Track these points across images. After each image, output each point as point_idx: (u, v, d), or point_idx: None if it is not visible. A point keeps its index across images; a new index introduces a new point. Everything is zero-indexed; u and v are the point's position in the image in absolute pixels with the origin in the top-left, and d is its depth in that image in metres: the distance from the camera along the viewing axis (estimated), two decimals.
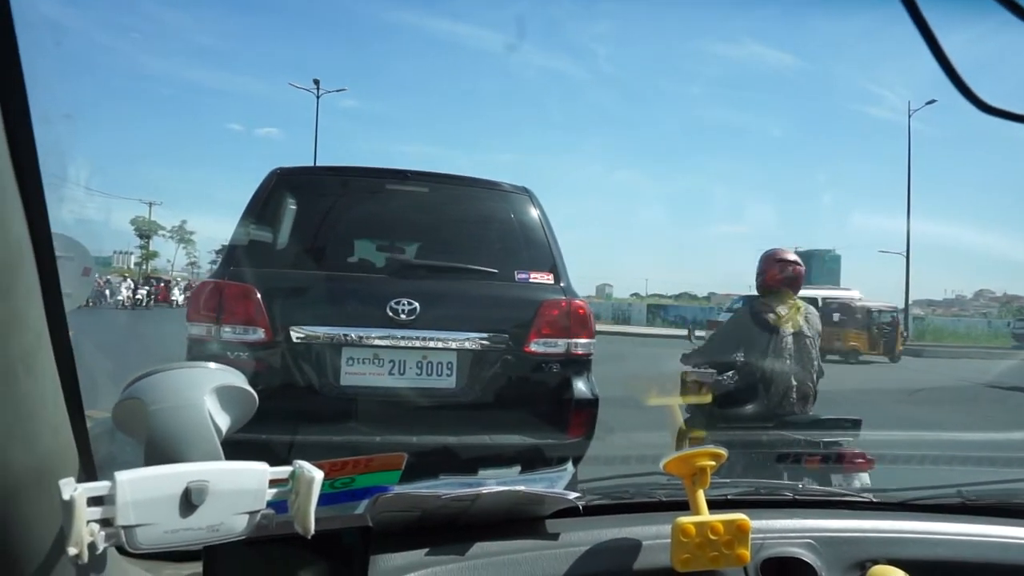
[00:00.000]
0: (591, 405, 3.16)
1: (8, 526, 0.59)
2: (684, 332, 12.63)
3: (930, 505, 1.34)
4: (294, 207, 3.32)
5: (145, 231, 50.04)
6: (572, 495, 1.12)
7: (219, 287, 2.97)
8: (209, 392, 0.73)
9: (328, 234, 3.36)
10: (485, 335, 3.06)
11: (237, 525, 0.66)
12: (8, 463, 0.57)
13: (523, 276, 3.27)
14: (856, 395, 9.94)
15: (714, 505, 1.10)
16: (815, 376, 3.49)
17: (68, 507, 0.57)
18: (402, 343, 2.99)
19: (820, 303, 24.64)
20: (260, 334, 2.89)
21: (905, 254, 30.69)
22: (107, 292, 24.71)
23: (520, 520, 1.12)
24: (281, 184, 3.31)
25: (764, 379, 3.40)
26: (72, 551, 0.57)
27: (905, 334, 22.55)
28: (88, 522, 0.59)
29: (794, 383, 3.40)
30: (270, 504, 0.69)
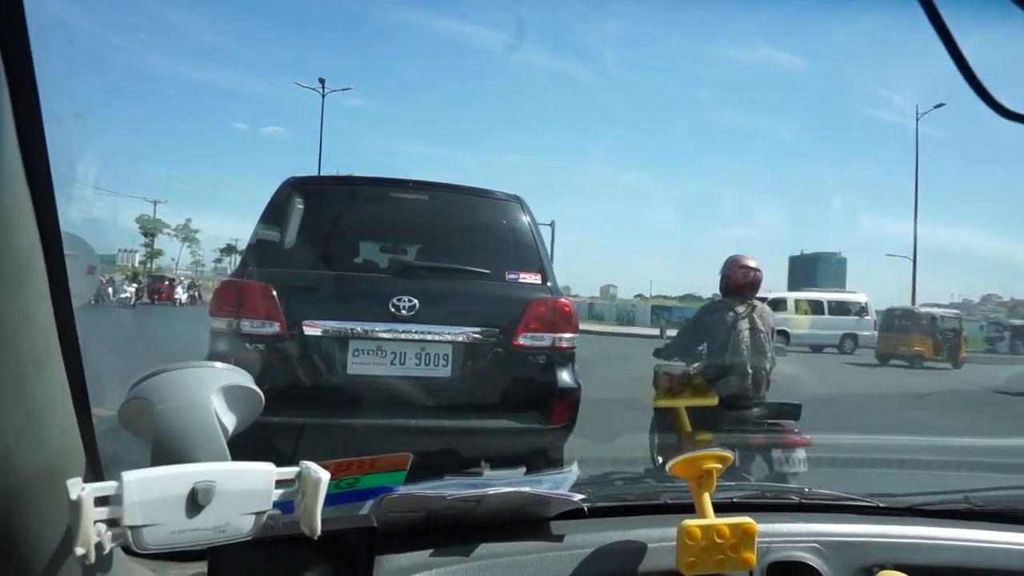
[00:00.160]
0: (574, 394, 3.43)
1: (17, 526, 0.59)
2: None
3: (937, 510, 1.33)
4: (306, 213, 3.60)
5: (150, 229, 50.20)
6: (577, 497, 1.12)
7: (239, 285, 3.28)
8: (216, 392, 0.73)
9: (336, 237, 3.64)
10: (478, 329, 3.34)
11: (243, 526, 0.66)
12: (17, 464, 0.57)
13: (513, 276, 3.55)
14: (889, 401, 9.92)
15: (720, 508, 1.10)
16: (768, 365, 3.97)
17: (75, 507, 0.57)
18: (403, 336, 3.28)
19: (826, 305, 24.71)
20: (276, 328, 3.17)
21: (912, 258, 30.60)
22: (110, 291, 24.71)
23: (525, 521, 1.11)
24: (294, 192, 3.60)
25: (724, 368, 3.89)
26: (79, 551, 0.57)
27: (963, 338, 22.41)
28: (95, 522, 0.58)
29: (750, 371, 3.88)
30: (276, 505, 0.69)
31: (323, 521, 0.71)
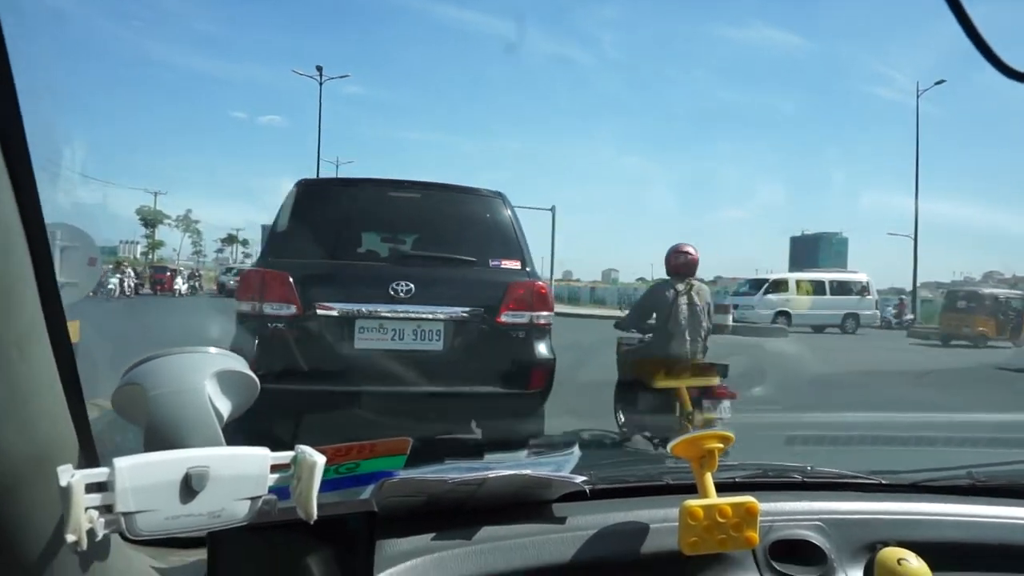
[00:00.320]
0: (549, 364, 4.01)
1: (8, 513, 0.58)
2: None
3: (940, 487, 1.33)
4: (315, 211, 4.17)
5: (150, 220, 50.18)
6: (579, 479, 1.11)
7: (261, 274, 3.86)
8: (210, 377, 0.72)
9: (342, 231, 4.24)
10: (465, 309, 3.89)
11: (238, 511, 0.65)
12: (5, 449, 0.56)
13: (496, 263, 4.12)
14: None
15: (722, 488, 1.09)
16: (704, 333, 4.93)
17: (66, 493, 0.56)
18: (401, 315, 3.83)
19: (827, 285, 24.66)
20: (293, 309, 3.74)
21: (913, 236, 30.52)
22: (111, 283, 24.61)
23: (527, 504, 1.11)
24: (305, 193, 4.21)
25: (669, 335, 4.86)
26: (71, 538, 0.56)
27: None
28: (87, 509, 0.58)
29: (687, 338, 4.84)
30: (272, 490, 0.68)
31: (323, 506, 0.70)
